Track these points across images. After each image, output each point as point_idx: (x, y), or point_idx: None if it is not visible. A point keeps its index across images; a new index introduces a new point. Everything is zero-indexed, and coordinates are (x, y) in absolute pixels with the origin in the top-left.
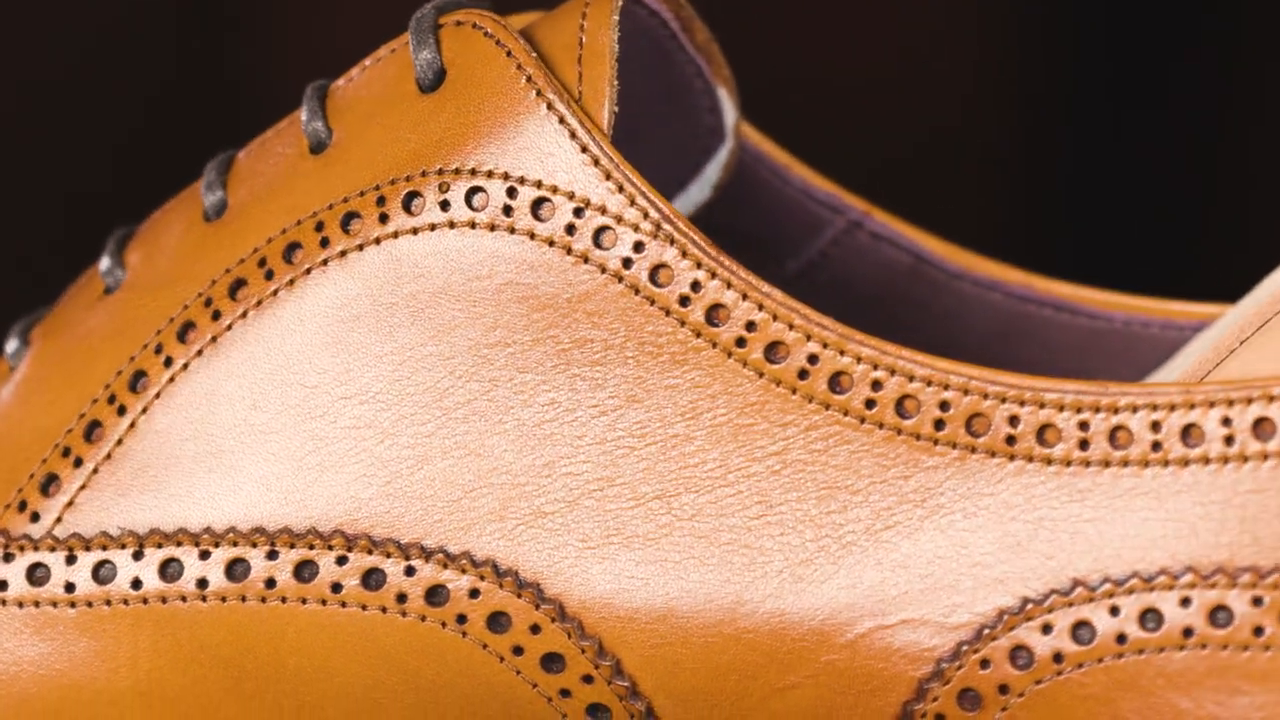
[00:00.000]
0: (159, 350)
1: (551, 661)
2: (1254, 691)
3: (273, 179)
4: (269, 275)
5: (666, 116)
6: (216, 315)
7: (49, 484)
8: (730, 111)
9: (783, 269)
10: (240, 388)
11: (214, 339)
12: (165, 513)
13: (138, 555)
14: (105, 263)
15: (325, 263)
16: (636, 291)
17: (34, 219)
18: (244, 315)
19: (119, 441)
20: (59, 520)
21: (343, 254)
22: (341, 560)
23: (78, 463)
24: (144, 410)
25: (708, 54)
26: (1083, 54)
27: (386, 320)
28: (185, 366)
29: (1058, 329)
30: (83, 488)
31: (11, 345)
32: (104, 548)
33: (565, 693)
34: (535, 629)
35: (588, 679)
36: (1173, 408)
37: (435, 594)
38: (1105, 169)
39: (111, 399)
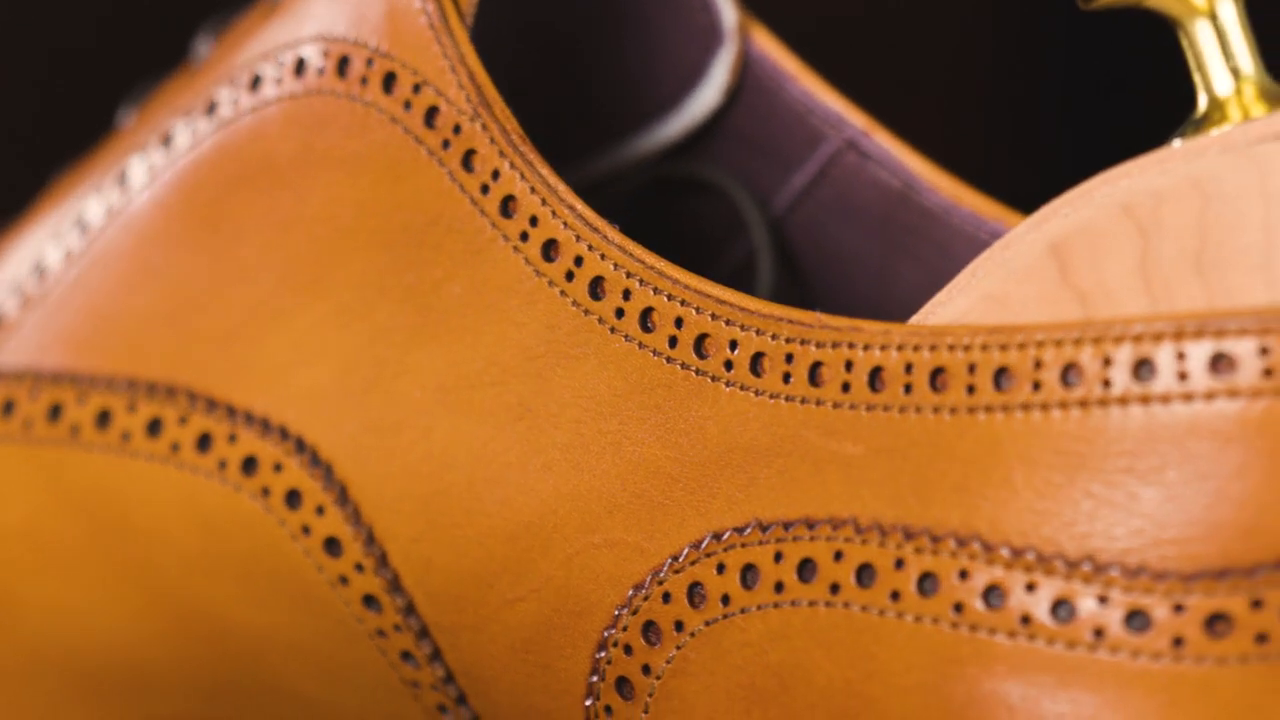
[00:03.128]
0: (99, 195)
1: (332, 546)
2: (883, 658)
3: (235, 35)
4: (189, 128)
5: (661, 23)
6: (147, 165)
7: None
8: (729, 11)
9: (789, 181)
10: (140, 238)
11: (139, 189)
12: (67, 358)
13: (33, 395)
14: (124, 108)
15: (230, 121)
16: (451, 176)
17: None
18: (163, 167)
19: (56, 282)
20: None
21: (240, 115)
22: (183, 420)
23: (25, 304)
24: (79, 254)
25: None
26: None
27: (258, 183)
28: (118, 214)
29: None
30: (17, 325)
31: None
32: (12, 385)
33: (343, 579)
34: (320, 510)
35: (360, 568)
36: (867, 348)
37: (249, 465)
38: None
39: (59, 241)
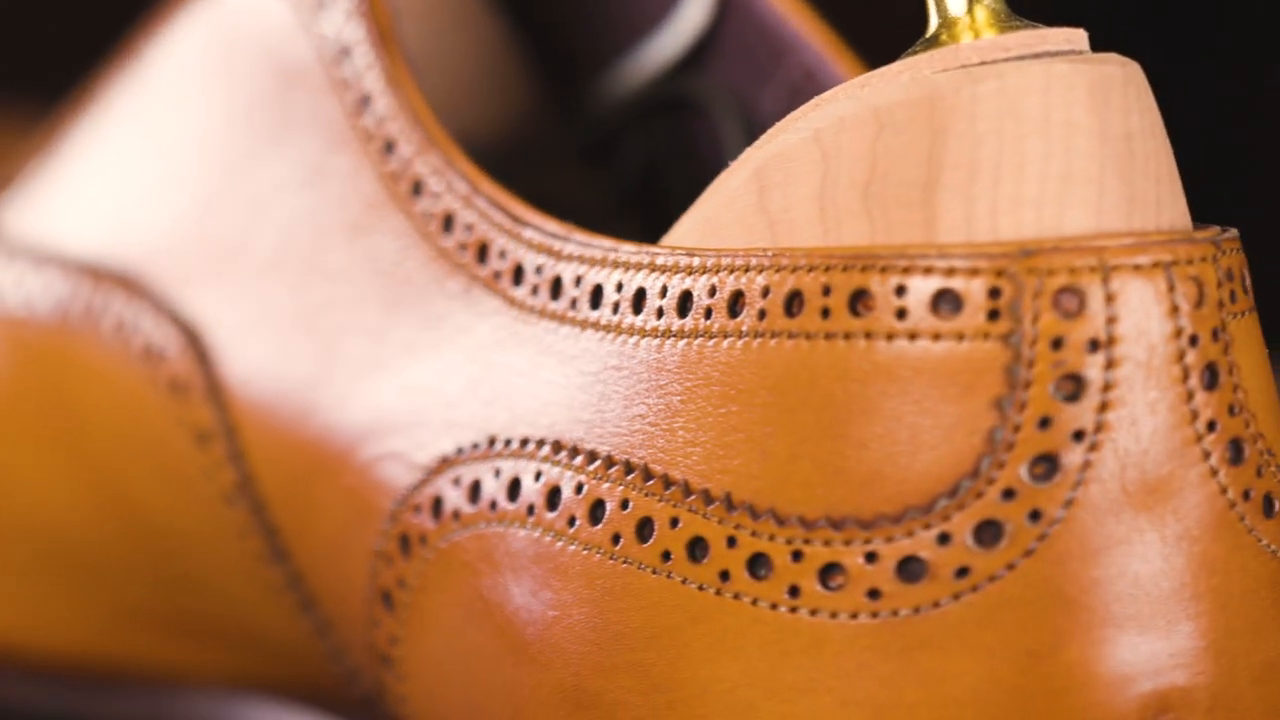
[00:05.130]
0: (118, 76)
1: (203, 439)
2: (557, 587)
3: None
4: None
5: None
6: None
7: (14, 189)
8: None
9: (760, 103)
10: (112, 121)
11: (142, 70)
12: (45, 233)
13: (8, 267)
14: None
15: (205, 8)
16: (326, 75)
17: None
18: (153, 54)
19: (52, 154)
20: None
21: (212, 2)
22: (125, 304)
23: (44, 177)
24: (72, 126)
25: None
26: None
27: (199, 73)
28: (105, 89)
29: None
30: (18, 197)
31: None
32: (19, 263)
33: (209, 473)
34: (196, 402)
35: (221, 462)
36: (593, 264)
37: (149, 357)
38: None
39: (82, 122)
